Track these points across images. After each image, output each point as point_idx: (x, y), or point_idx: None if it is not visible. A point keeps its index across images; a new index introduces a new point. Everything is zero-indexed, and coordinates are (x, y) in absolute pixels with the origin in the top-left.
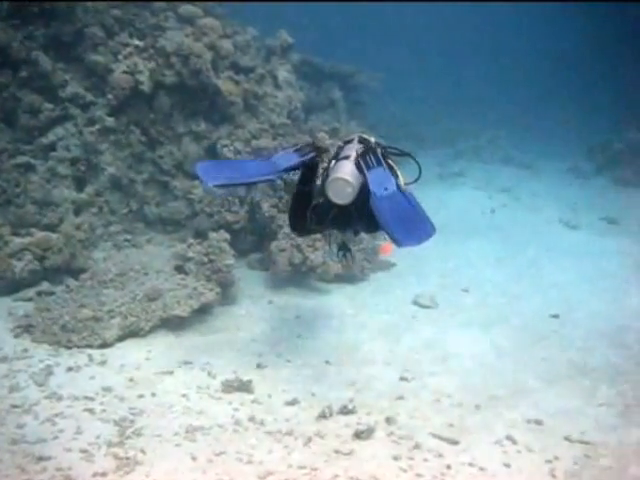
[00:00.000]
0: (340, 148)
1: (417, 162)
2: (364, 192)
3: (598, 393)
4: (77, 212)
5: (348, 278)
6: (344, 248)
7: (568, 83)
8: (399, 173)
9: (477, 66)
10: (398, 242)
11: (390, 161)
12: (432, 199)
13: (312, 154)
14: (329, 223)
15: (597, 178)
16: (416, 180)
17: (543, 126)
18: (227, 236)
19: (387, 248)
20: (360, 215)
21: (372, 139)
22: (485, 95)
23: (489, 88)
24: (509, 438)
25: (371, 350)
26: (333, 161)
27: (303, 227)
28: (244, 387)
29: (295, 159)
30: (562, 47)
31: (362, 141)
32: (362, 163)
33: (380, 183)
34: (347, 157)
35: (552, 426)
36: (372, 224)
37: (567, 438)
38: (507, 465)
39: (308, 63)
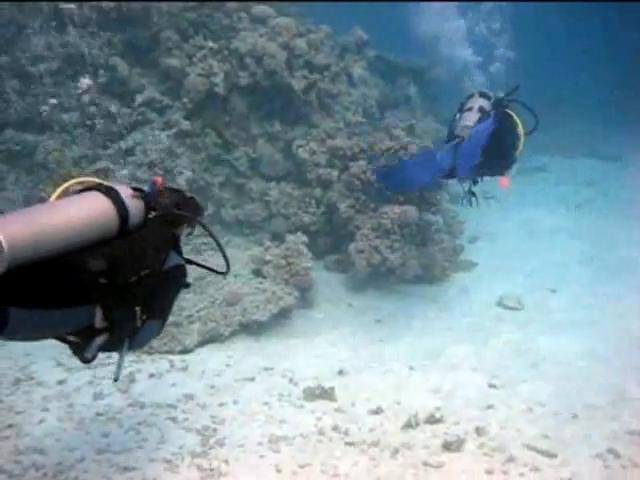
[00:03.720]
0: (463, 103)
1: (534, 114)
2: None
3: None
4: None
5: (429, 279)
6: (470, 193)
7: None
8: (519, 121)
9: (556, 57)
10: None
11: (510, 111)
12: (514, 195)
13: None
14: None
15: None
16: (533, 131)
17: (629, 115)
18: (305, 238)
19: (505, 181)
20: (485, 160)
21: (492, 93)
22: (564, 85)
23: (568, 77)
24: (611, 451)
25: (456, 355)
26: (458, 114)
27: None
28: (326, 395)
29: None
30: None
31: (482, 95)
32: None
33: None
34: (470, 109)
35: None
36: (496, 165)
37: None
38: None
39: (382, 59)
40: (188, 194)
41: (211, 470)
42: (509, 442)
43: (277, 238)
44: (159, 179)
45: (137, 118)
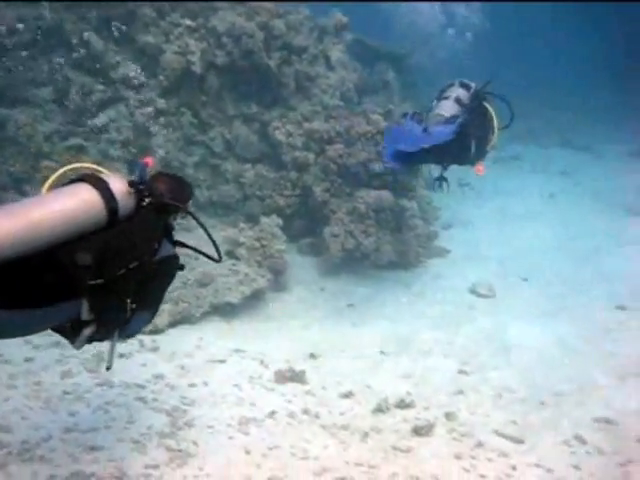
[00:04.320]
0: (443, 90)
1: (511, 108)
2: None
3: None
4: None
5: (402, 264)
6: (441, 179)
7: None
8: (494, 115)
9: (528, 46)
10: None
11: (487, 104)
12: (488, 183)
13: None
14: (430, 157)
15: None
16: (508, 125)
17: (602, 107)
18: (279, 221)
19: (480, 168)
20: (454, 148)
21: (472, 84)
22: (539, 75)
23: (543, 68)
24: (577, 438)
25: (428, 341)
26: (435, 101)
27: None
28: (297, 378)
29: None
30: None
31: (463, 85)
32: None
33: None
34: (447, 98)
35: (624, 426)
36: (463, 156)
37: None
38: (576, 467)
39: (361, 43)
40: (181, 178)
41: (179, 451)
42: (478, 428)
43: (251, 220)
44: (150, 160)
45: (111, 95)
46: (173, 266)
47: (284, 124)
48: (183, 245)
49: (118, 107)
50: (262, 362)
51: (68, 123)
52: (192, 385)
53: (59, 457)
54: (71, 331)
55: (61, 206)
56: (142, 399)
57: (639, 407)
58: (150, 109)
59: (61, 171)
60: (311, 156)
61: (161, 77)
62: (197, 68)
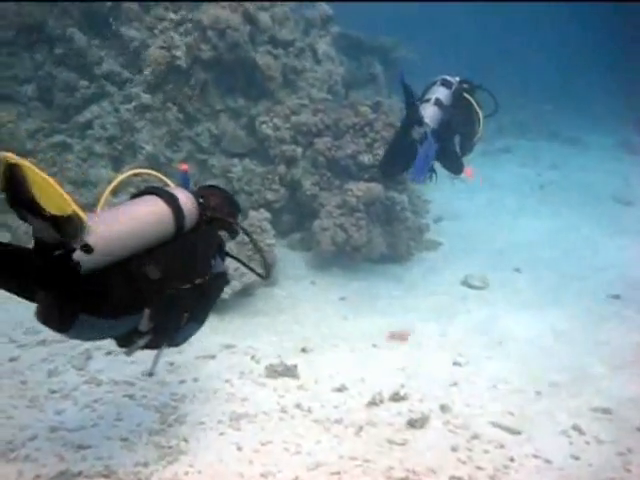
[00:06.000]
0: (426, 90)
1: (494, 97)
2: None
3: None
4: (114, 192)
5: (394, 258)
6: (430, 170)
7: (615, 54)
8: (478, 109)
9: (518, 39)
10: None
11: (471, 98)
12: (477, 177)
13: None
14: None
15: None
16: (493, 114)
17: (589, 100)
18: (268, 215)
19: (470, 172)
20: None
21: (455, 79)
22: (528, 68)
23: (532, 61)
24: (575, 428)
25: (421, 333)
26: (418, 102)
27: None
28: (289, 372)
29: None
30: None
31: (444, 83)
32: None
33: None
34: (428, 100)
35: (622, 415)
36: (446, 160)
37: None
38: (575, 457)
39: (347, 36)
40: (228, 192)
41: (169, 448)
42: (473, 419)
43: (240, 215)
44: (186, 167)
45: (96, 91)
46: (224, 281)
47: (271, 118)
48: (233, 258)
49: (102, 103)
50: (253, 357)
51: (52, 120)
52: (182, 381)
53: (45, 456)
54: (125, 338)
55: (136, 218)
56: (131, 396)
57: (636, 396)
58: (135, 105)
59: (122, 177)
60: (299, 150)
61: (146, 72)
62: (182, 63)
